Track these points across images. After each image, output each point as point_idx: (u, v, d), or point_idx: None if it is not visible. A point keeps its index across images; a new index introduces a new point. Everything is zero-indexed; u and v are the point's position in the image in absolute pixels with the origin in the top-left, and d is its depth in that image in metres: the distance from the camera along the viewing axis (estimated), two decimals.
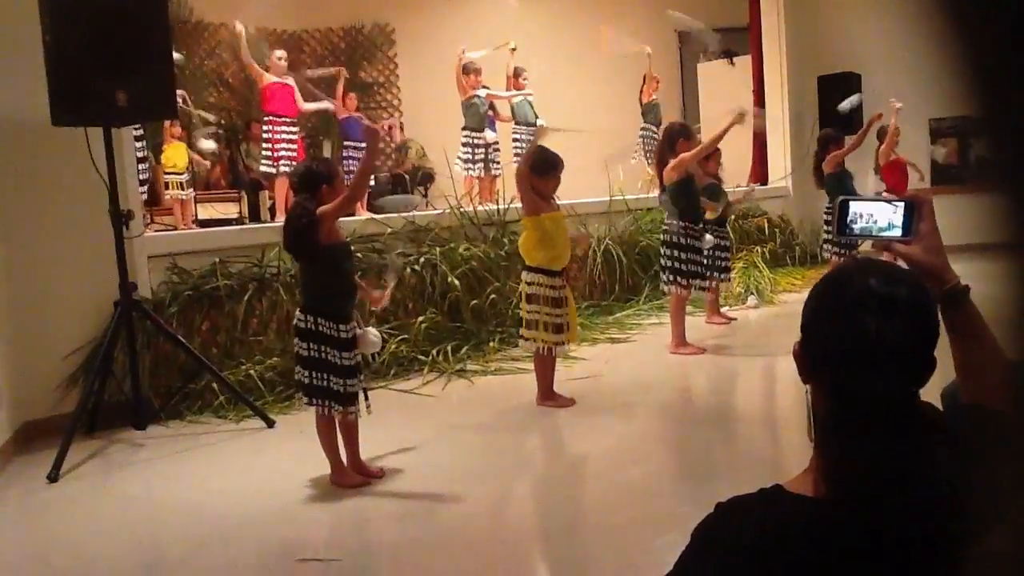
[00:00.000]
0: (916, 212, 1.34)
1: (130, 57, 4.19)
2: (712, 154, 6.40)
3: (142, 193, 6.24)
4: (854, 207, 1.39)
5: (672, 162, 5.55)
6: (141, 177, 6.26)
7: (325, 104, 8.04)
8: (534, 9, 11.93)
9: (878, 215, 1.37)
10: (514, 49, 8.83)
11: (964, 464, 1.13)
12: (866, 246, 6.43)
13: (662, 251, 5.80)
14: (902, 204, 1.35)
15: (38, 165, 4.63)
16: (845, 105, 8.26)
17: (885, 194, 7.59)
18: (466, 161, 8.30)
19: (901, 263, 1.32)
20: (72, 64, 4.09)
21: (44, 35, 4.10)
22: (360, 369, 3.56)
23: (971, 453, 1.15)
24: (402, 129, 11.49)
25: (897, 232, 1.35)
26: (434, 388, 5.22)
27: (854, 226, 1.39)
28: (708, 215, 6.24)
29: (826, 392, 1.17)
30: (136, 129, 5.97)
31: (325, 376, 3.43)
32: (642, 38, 11.59)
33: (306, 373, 3.46)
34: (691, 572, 1.17)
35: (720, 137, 5.82)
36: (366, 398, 3.57)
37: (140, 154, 6.45)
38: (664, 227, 5.80)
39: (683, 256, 5.64)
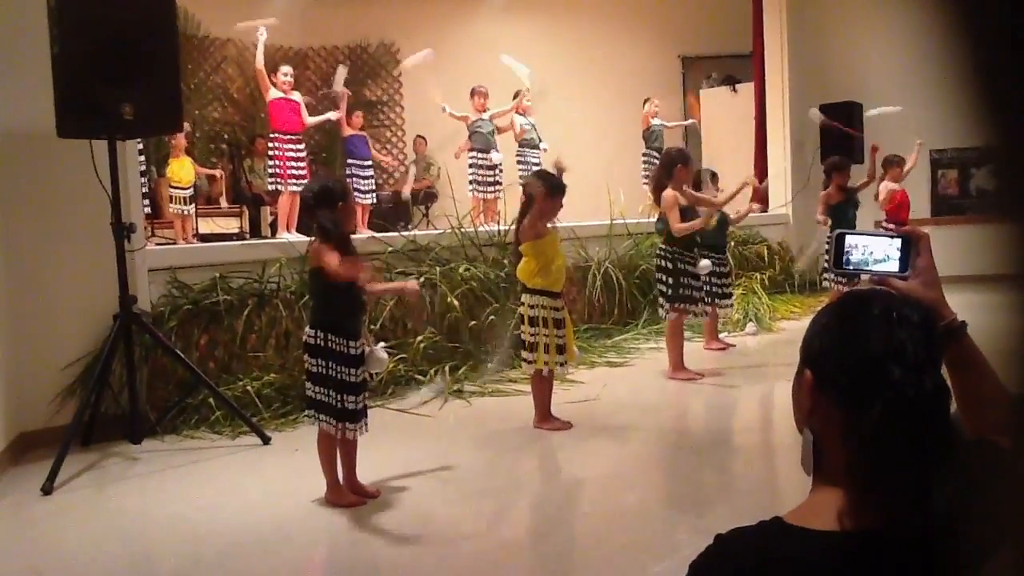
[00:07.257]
0: (913, 247, 1.34)
1: (137, 70, 4.20)
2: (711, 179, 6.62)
3: (144, 206, 6.25)
4: (850, 240, 1.38)
5: (669, 200, 5.58)
6: (143, 191, 6.27)
7: (329, 115, 8.06)
8: (539, 31, 12.02)
9: (875, 248, 1.36)
10: (528, 90, 8.92)
11: (967, 496, 1.13)
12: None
13: (656, 276, 5.82)
14: (899, 239, 1.35)
15: (42, 176, 4.64)
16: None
17: (885, 224, 7.61)
18: (473, 183, 8.41)
19: None
20: (79, 76, 4.11)
21: (52, 46, 4.12)
22: (366, 386, 3.57)
23: (974, 485, 1.15)
24: (426, 143, 11.47)
25: (894, 266, 1.34)
26: (431, 408, 5.21)
27: (850, 259, 1.38)
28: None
29: (855, 417, 1.12)
30: (137, 142, 5.99)
31: (332, 392, 3.44)
32: (646, 60, 11.69)
33: (316, 389, 3.48)
34: None
35: (723, 204, 6.24)
36: (365, 416, 3.55)
37: (141, 168, 6.47)
38: (658, 252, 5.81)
39: (677, 281, 5.65)
